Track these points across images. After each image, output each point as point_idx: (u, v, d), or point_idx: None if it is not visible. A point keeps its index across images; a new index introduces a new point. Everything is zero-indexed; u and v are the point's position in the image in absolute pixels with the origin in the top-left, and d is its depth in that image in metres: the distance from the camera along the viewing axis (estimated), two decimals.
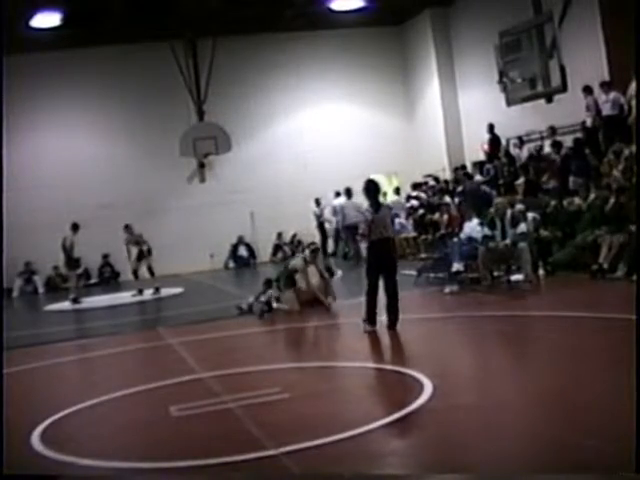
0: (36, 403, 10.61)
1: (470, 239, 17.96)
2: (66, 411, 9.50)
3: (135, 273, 24.27)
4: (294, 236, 33.31)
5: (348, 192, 27.75)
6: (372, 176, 15.42)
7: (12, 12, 25.83)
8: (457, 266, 17.66)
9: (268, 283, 17.19)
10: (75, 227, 24.40)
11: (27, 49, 30.12)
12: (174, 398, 9.54)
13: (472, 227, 18.37)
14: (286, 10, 30.45)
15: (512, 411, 7.88)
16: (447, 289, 17.17)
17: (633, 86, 19.57)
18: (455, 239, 19.05)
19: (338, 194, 29.24)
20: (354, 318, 14.44)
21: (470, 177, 27.24)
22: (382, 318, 12.94)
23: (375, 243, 13.02)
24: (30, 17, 27.58)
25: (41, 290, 31.18)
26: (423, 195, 29.05)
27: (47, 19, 28.05)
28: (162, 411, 9.05)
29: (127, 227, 24.41)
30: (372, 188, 13.38)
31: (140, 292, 23.76)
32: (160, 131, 31.82)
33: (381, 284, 13.04)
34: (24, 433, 8.54)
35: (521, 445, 6.87)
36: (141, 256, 24.08)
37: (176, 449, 7.70)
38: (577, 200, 18.78)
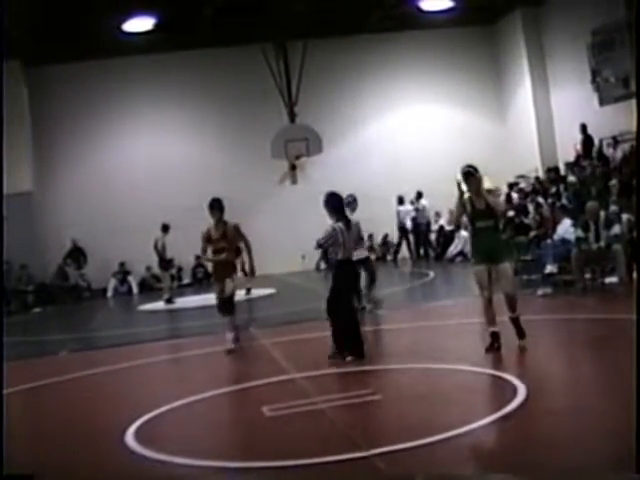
0: (130, 401, 10.80)
1: (564, 241, 17.74)
2: (160, 410, 9.62)
3: None
4: (385, 237, 33.31)
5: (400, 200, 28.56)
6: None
7: (105, 17, 26.36)
8: (550, 268, 17.47)
9: None
10: (165, 228, 24.61)
11: (119, 53, 30.71)
12: (267, 398, 9.59)
13: (565, 228, 18.14)
14: (375, 11, 30.48)
15: (606, 415, 7.74)
16: (540, 291, 16.99)
17: None
18: (549, 241, 18.84)
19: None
20: (446, 320, 14.41)
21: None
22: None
23: (346, 263, 12.14)
24: (123, 22, 28.03)
25: (135, 290, 31.66)
26: (515, 196, 28.77)
27: (140, 24, 28.46)
28: (255, 411, 9.11)
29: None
30: (331, 201, 12.24)
31: None
32: (252, 133, 32.08)
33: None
34: (119, 431, 8.68)
35: (612, 448, 6.75)
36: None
37: (269, 449, 7.75)
38: None
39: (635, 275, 17.14)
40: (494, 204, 11.47)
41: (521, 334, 11.34)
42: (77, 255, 31.41)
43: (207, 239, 14.13)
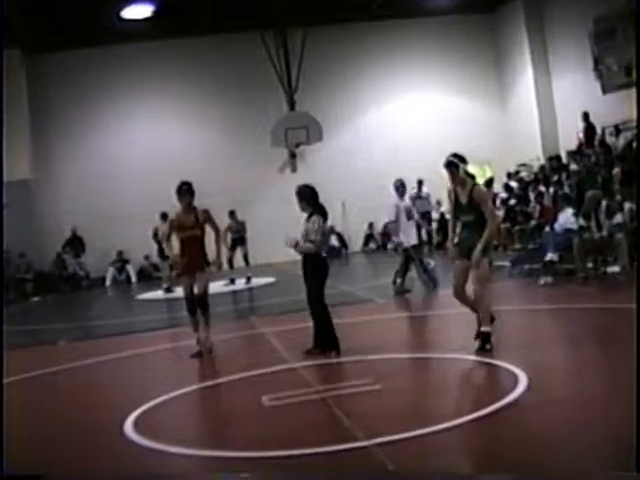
0: (129, 391, 10.75)
1: (565, 229, 17.64)
2: (158, 400, 9.58)
3: (230, 262, 24.31)
4: (385, 226, 33.18)
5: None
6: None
7: (104, 4, 26.29)
8: (551, 257, 17.36)
9: None
10: (164, 217, 24.49)
11: (118, 40, 30.64)
12: (266, 388, 9.57)
13: (567, 217, 18.04)
14: None
15: (607, 408, 7.63)
16: (542, 280, 16.90)
17: None
18: (548, 229, 18.75)
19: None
20: (446, 309, 14.33)
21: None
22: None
23: (319, 256, 12.06)
24: (122, 8, 27.95)
25: (134, 279, 31.58)
26: (515, 185, 28.69)
27: (139, 10, 28.41)
28: (254, 401, 9.06)
29: (232, 214, 24.82)
30: (305, 193, 11.88)
31: (232, 282, 23.89)
32: (251, 121, 32.00)
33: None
34: (117, 421, 8.64)
35: (610, 444, 6.66)
36: (235, 244, 24.30)
37: (268, 439, 7.72)
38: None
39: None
40: (489, 215, 10.43)
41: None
42: (76, 244, 31.36)
43: (180, 227, 12.81)
